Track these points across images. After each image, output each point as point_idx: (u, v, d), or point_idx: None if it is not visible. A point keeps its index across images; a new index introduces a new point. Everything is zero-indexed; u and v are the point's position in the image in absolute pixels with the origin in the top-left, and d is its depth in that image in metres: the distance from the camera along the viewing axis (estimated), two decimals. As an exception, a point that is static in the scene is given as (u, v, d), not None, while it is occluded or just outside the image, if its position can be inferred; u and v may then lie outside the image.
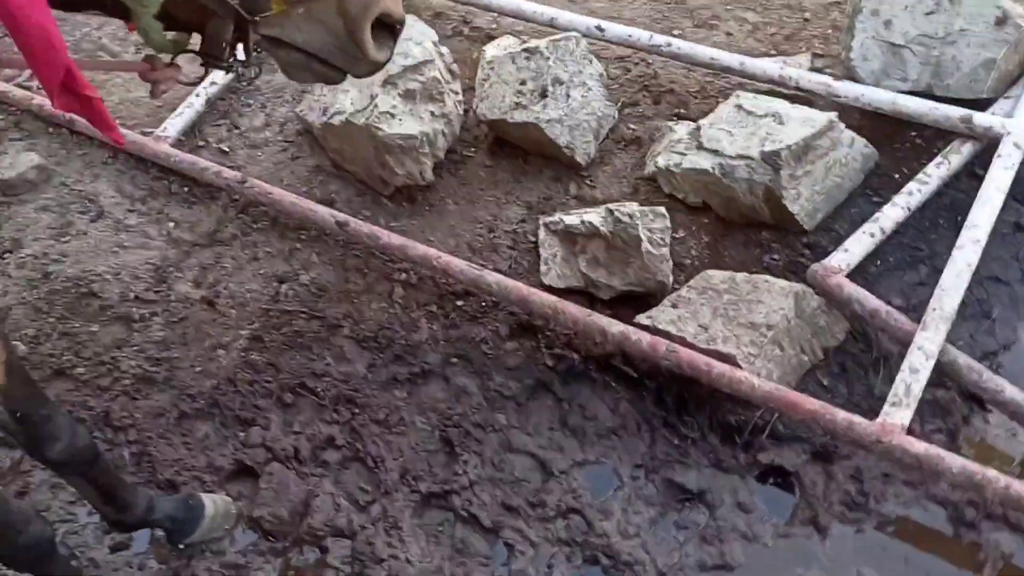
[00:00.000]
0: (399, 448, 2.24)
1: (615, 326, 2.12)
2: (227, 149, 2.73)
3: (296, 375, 2.35)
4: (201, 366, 2.39)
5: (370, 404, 2.30)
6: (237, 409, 2.31)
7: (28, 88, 2.85)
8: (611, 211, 2.18)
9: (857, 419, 1.88)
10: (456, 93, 2.55)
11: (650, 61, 2.80)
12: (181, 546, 2.11)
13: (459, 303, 2.42)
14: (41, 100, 2.76)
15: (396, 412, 2.29)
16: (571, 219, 2.29)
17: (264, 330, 2.42)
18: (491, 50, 2.59)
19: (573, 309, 2.17)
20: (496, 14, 2.89)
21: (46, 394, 1.81)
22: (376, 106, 2.39)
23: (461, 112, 2.58)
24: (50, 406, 1.73)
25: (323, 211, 2.46)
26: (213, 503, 2.12)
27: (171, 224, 2.61)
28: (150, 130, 2.70)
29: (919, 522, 1.98)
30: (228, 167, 2.61)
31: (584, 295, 2.35)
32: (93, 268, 2.54)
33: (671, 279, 2.26)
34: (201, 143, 2.75)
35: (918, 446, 1.82)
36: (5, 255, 2.57)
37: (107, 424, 2.31)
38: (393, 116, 2.38)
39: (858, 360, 2.23)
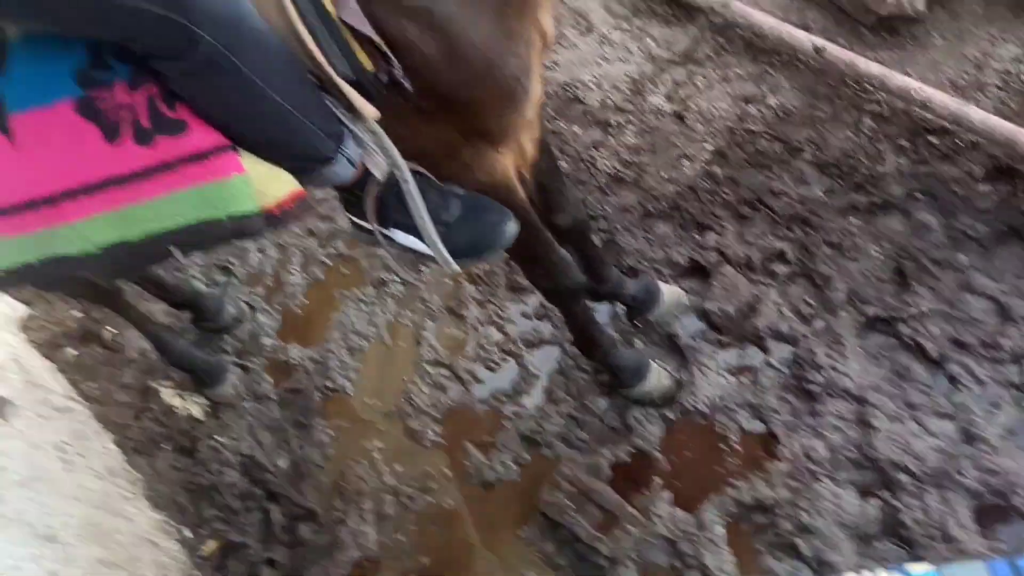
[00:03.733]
0: (849, 272, 2.60)
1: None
2: (708, -27, 3.20)
3: (754, 191, 2.80)
4: (666, 173, 2.94)
5: (824, 227, 2.68)
6: (696, 215, 2.84)
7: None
8: None
9: None
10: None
11: None
12: (637, 323, 2.74)
13: (931, 139, 2.65)
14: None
15: (850, 237, 2.64)
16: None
17: (728, 146, 2.90)
18: None
19: (1071, 152, 2.32)
20: None
21: (560, 171, 2.45)
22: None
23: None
24: (562, 182, 2.24)
25: (801, 35, 2.82)
26: (669, 291, 2.67)
27: (650, 41, 3.15)
28: (639, -48, 3.27)
29: None
30: (710, -11, 3.09)
31: (1082, 142, 2.46)
32: (580, 77, 3.20)
33: None
34: (684, -34, 3.25)
35: None
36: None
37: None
38: (895, -61, 2.64)
39: None
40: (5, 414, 2.53)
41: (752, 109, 2.85)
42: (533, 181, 2.12)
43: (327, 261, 3.08)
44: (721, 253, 2.70)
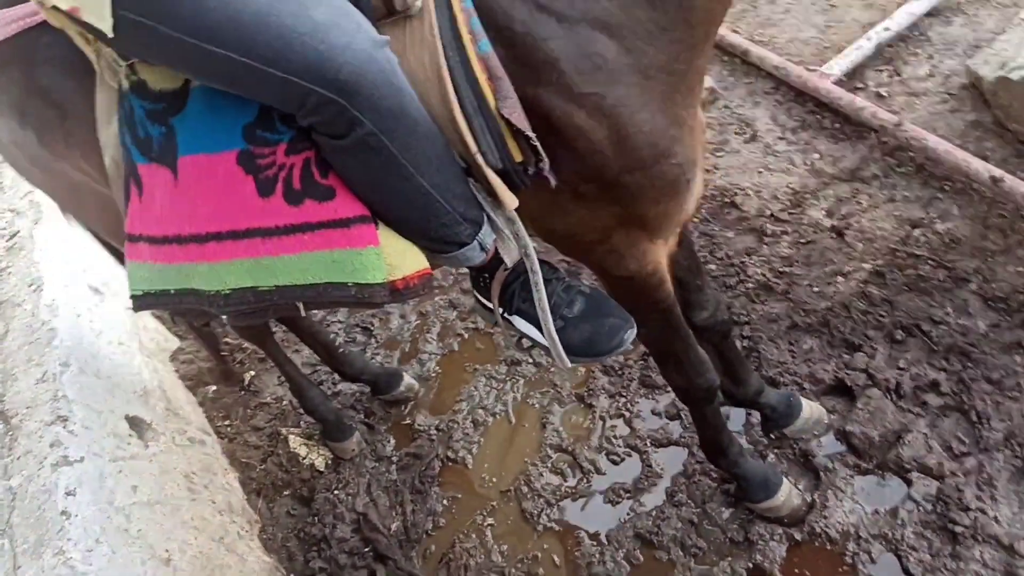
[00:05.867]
0: (1008, 412, 2.49)
1: None
2: (885, 94, 3.22)
3: (911, 316, 2.75)
4: (819, 287, 2.93)
5: (985, 362, 2.59)
6: (846, 333, 2.80)
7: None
8: None
9: None
10: None
11: None
12: (772, 435, 2.71)
13: (1115, 283, 2.58)
14: (723, 31, 3.62)
15: (1013, 376, 2.53)
16: None
17: (887, 268, 2.87)
18: None
19: None
20: None
21: (702, 268, 2.37)
22: (1070, 61, 2.65)
23: None
24: (702, 279, 2.26)
25: (977, 164, 2.81)
26: (810, 408, 2.63)
27: (816, 155, 3.20)
28: (814, 68, 3.35)
29: None
30: (884, 110, 3.14)
31: None
32: (738, 183, 3.26)
33: None
34: (860, 85, 3.28)
35: None
36: (668, 159, 3.47)
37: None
38: (1089, 74, 2.63)
39: None
40: (145, 437, 2.74)
41: (917, 233, 2.84)
42: (672, 275, 2.19)
43: (464, 334, 3.21)
44: (869, 375, 2.66)
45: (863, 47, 3.18)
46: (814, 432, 2.60)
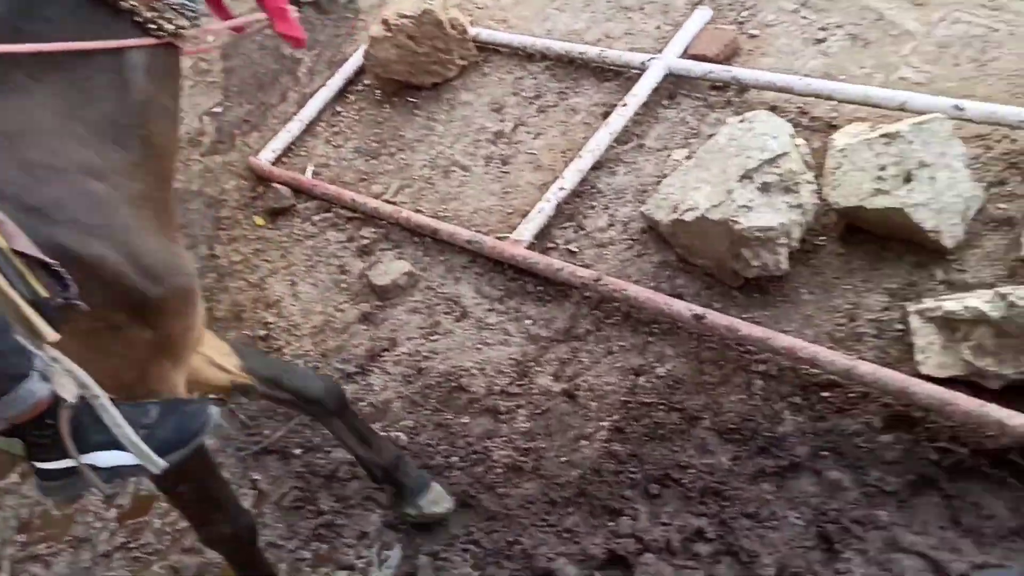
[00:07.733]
0: (772, 543, 2.50)
1: (1016, 418, 2.30)
2: (575, 249, 3.28)
3: (660, 466, 2.72)
4: (566, 456, 2.84)
5: (738, 497, 2.60)
6: (605, 499, 2.71)
7: (394, 203, 3.65)
8: (1002, 295, 2.40)
9: None
10: (811, 183, 2.93)
11: (1014, 138, 3.02)
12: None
13: (824, 394, 2.69)
14: (408, 213, 3.54)
15: (767, 506, 2.57)
16: (951, 305, 2.52)
17: (624, 421, 2.84)
18: (841, 138, 2.95)
19: (964, 400, 2.36)
20: (836, 102, 3.28)
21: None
22: (733, 200, 2.82)
23: (816, 202, 2.95)
24: (288, 364, 2.55)
25: (679, 304, 2.89)
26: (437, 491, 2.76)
27: (528, 321, 3.16)
28: (504, 236, 3.35)
29: None
30: (580, 266, 3.17)
31: (967, 384, 2.54)
32: (461, 364, 3.14)
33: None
34: (551, 245, 3.31)
35: None
36: (383, 353, 3.27)
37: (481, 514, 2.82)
38: (751, 209, 2.79)
39: None
40: None
41: (642, 380, 2.85)
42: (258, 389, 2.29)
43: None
44: (638, 539, 2.58)
45: (544, 208, 3.22)
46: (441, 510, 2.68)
